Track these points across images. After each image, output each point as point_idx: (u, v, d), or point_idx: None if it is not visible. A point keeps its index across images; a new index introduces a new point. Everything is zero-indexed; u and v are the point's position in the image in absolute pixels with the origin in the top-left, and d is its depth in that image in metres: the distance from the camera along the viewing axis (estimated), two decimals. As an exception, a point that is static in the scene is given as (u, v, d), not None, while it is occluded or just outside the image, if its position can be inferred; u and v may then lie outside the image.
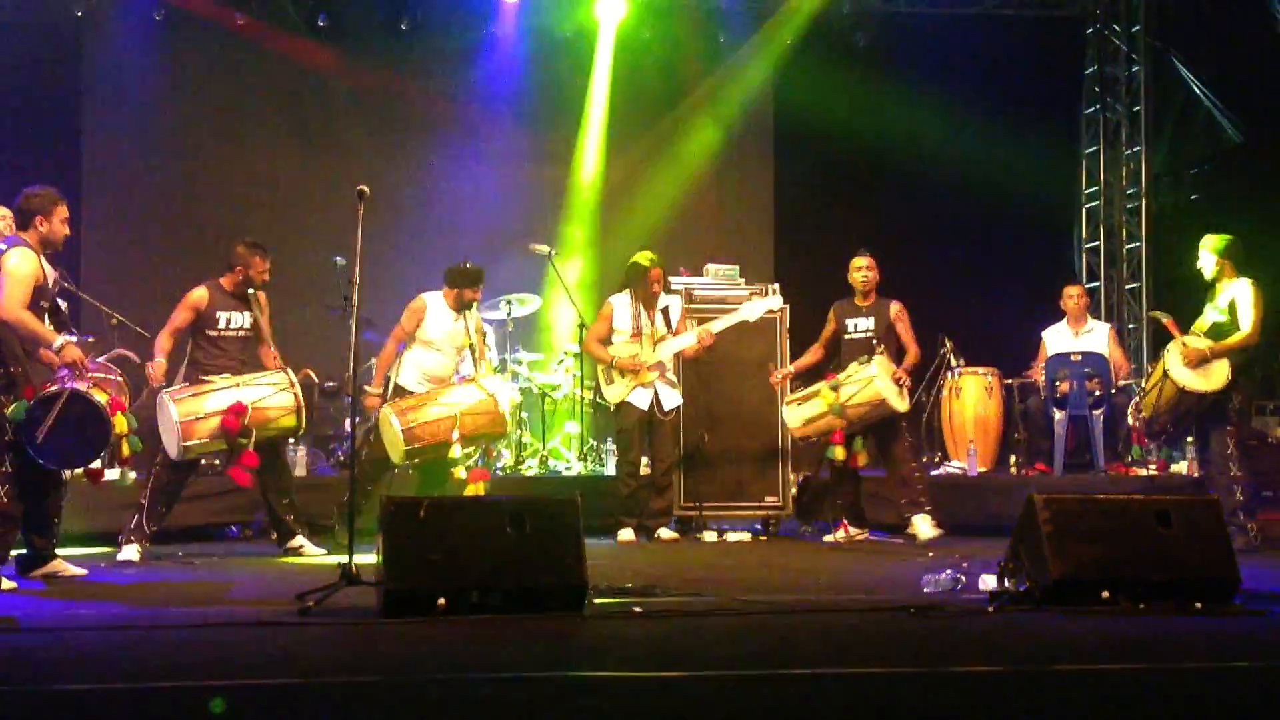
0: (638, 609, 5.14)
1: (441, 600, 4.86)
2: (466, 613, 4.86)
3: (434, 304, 8.03)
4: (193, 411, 7.05)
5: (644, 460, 8.24)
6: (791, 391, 8.31)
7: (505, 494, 7.96)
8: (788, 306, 8.57)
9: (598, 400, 9.02)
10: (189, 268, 11.07)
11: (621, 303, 8.31)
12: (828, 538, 8.13)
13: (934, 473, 9.18)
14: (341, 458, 9.23)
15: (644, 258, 8.28)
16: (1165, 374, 7.59)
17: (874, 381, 7.82)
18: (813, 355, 8.41)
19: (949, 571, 5.66)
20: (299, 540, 7.39)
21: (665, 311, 8.24)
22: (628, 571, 6.28)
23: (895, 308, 8.19)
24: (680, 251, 10.00)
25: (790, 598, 5.64)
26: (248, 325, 7.49)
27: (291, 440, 8.08)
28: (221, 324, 7.41)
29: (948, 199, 11.63)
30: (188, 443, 7.02)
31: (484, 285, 8.16)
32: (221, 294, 7.46)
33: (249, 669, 4.10)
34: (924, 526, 7.83)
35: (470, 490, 7.37)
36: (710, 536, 8.20)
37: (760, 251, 11.54)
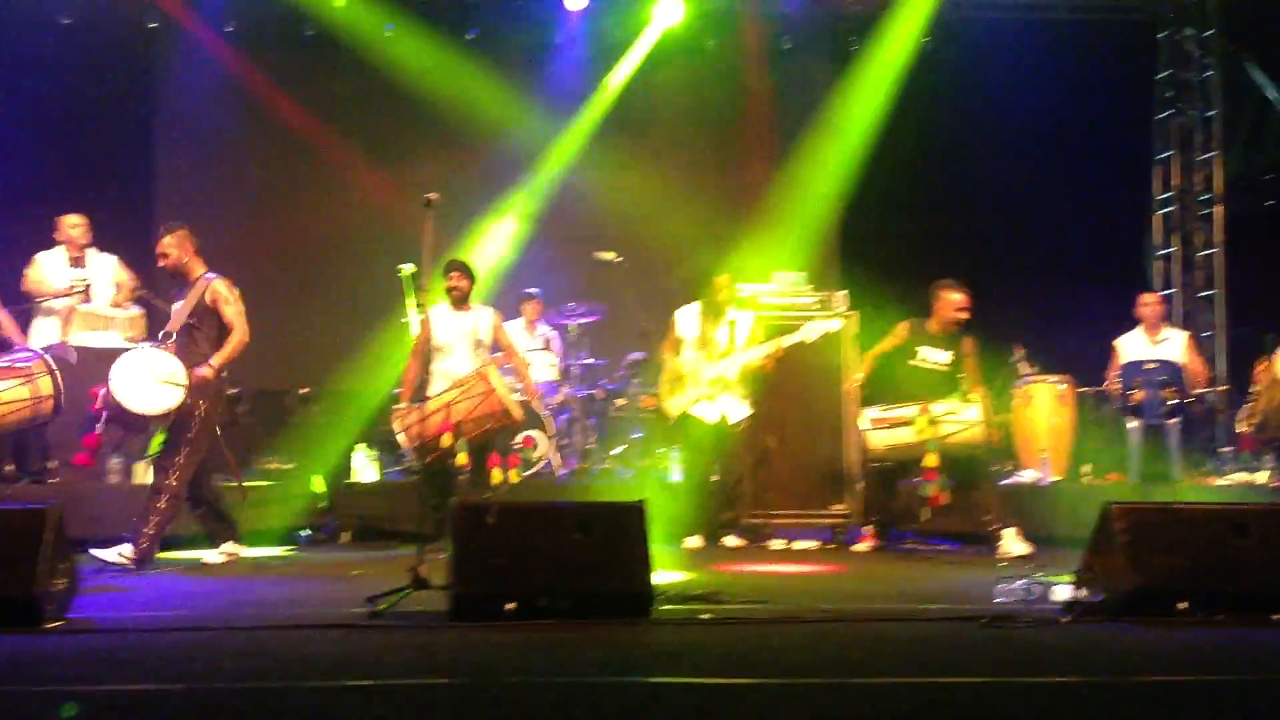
0: (705, 616, 5.12)
1: (510, 605, 4.88)
2: (534, 617, 4.88)
3: (436, 310, 8.07)
4: None
5: (711, 469, 8.21)
6: (868, 406, 8.09)
7: (571, 500, 7.97)
8: (856, 314, 8.51)
9: (663, 409, 9.00)
10: (261, 275, 11.25)
11: (687, 314, 8.31)
12: (856, 547, 8.06)
13: (1005, 482, 9.07)
14: (407, 465, 9.29)
15: (710, 268, 8.27)
16: (1276, 380, 7.45)
17: (977, 426, 7.65)
18: (869, 364, 8.16)
19: (1022, 582, 5.58)
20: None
21: (733, 325, 8.21)
22: (694, 579, 6.26)
23: (970, 342, 8.03)
24: (746, 258, 9.98)
25: (859, 606, 5.59)
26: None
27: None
28: None
29: (1018, 204, 11.50)
30: None
31: (457, 273, 8.09)
32: None
33: (320, 671, 4.12)
34: (1013, 543, 7.69)
35: (497, 476, 7.42)
36: (777, 544, 8.15)
37: (827, 258, 11.47)
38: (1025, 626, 4.91)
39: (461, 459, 7.52)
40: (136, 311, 8.85)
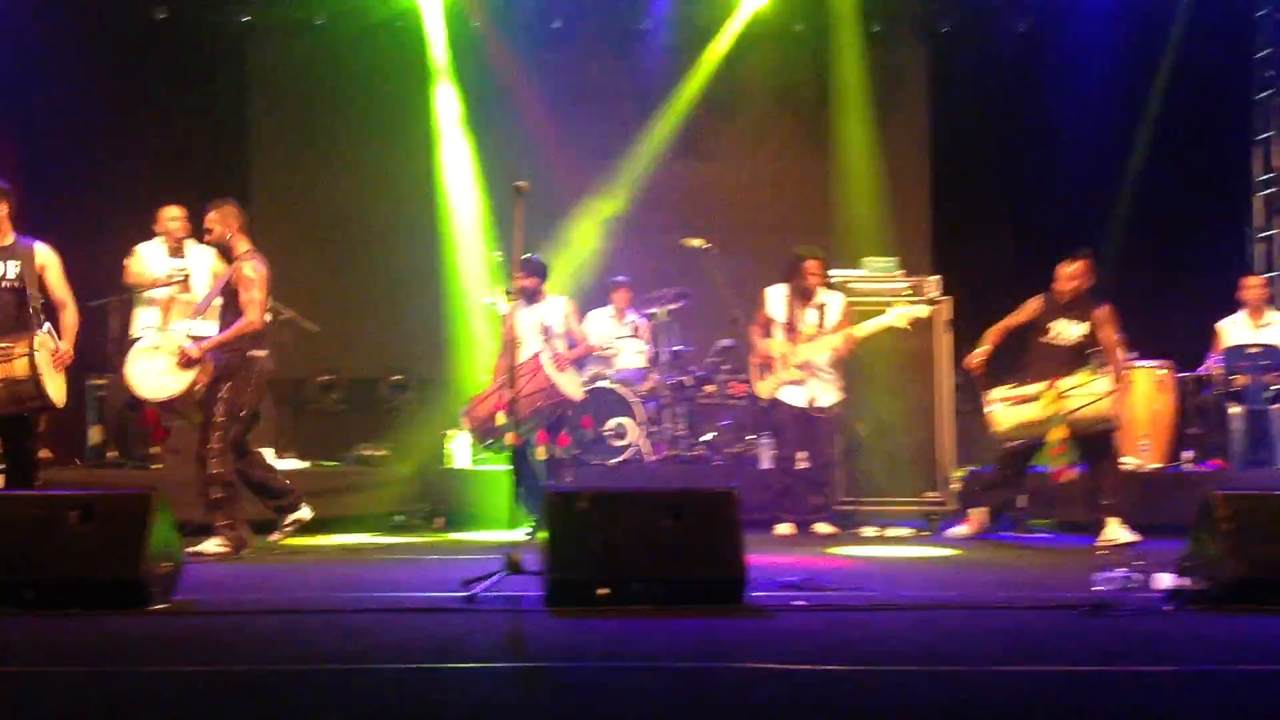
0: (798, 603, 5.10)
1: (603, 590, 4.91)
2: (627, 603, 4.90)
3: (515, 304, 8.13)
4: None
5: (801, 455, 8.17)
6: (993, 386, 7.90)
7: (662, 487, 7.98)
8: (949, 299, 8.41)
9: (753, 394, 8.97)
10: (355, 263, 11.42)
11: (777, 295, 8.27)
12: (953, 531, 7.95)
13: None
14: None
15: (800, 250, 8.22)
16: None
17: (1106, 398, 7.48)
18: (995, 338, 7.93)
19: (1122, 570, 5.47)
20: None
21: (823, 308, 8.16)
22: (786, 565, 6.24)
23: (1103, 311, 7.82)
24: (837, 244, 9.90)
25: (954, 594, 5.53)
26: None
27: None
28: None
29: (1115, 186, 11.26)
30: None
31: (520, 273, 7.99)
32: None
33: (417, 654, 4.17)
34: (1118, 530, 7.57)
35: (541, 453, 7.69)
36: (869, 532, 8.10)
37: (919, 243, 11.34)
38: (1127, 615, 4.83)
39: (508, 438, 7.58)
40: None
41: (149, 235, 8.86)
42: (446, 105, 11.54)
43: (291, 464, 8.88)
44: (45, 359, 6.45)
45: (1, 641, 4.37)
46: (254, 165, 11.63)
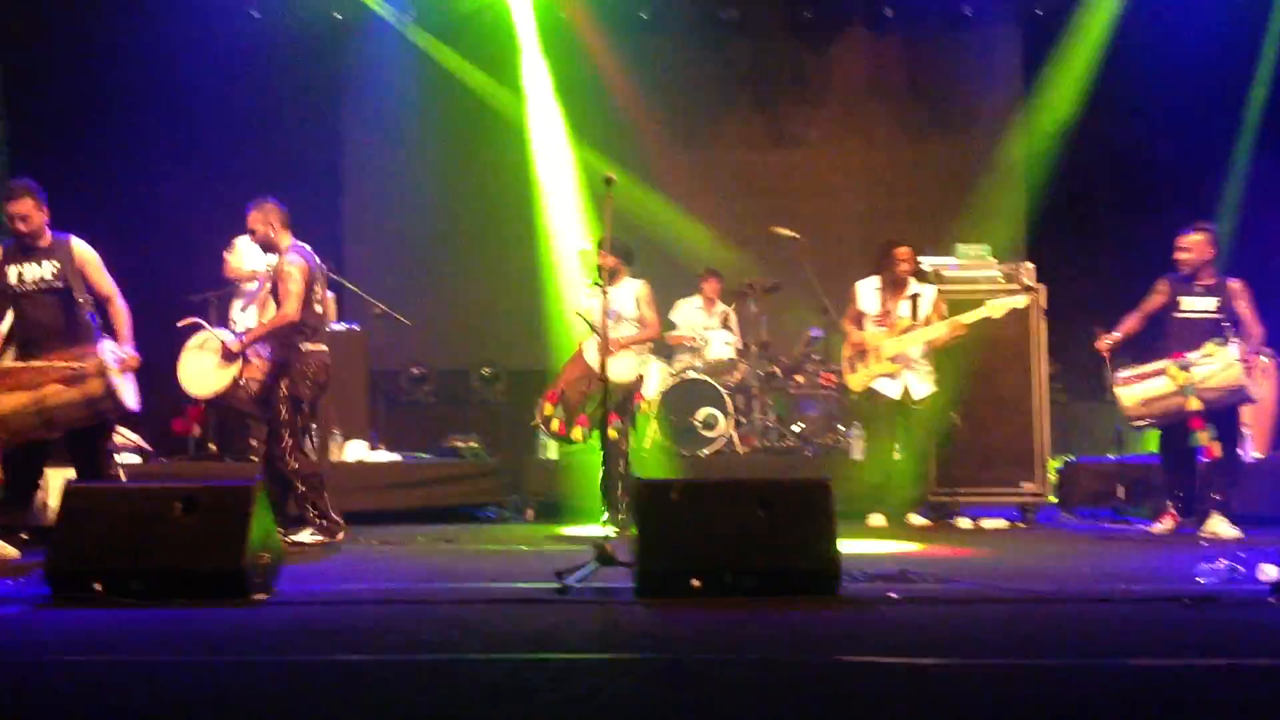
0: (892, 595, 5.05)
1: (695, 581, 4.90)
2: (720, 594, 4.89)
3: (595, 290, 8.14)
4: None
5: (894, 446, 8.10)
6: (1119, 368, 7.76)
7: (754, 478, 7.96)
8: (1043, 287, 8.28)
9: (843, 385, 8.90)
10: (445, 257, 11.53)
11: (868, 286, 8.20)
12: (1154, 528, 7.71)
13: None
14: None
15: (889, 240, 8.14)
16: None
17: (1235, 364, 7.30)
18: (1131, 324, 7.80)
19: (1224, 561, 5.36)
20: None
21: (915, 299, 8.07)
22: (880, 557, 6.19)
23: (1236, 284, 7.66)
24: (928, 231, 9.79)
25: (1052, 586, 5.45)
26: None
27: None
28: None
29: (1217, 174, 11.00)
30: None
31: (600, 253, 7.94)
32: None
33: (511, 645, 4.20)
34: (1220, 524, 7.40)
35: (577, 433, 7.63)
36: (964, 523, 8.00)
37: (1012, 230, 11.17)
38: (1231, 607, 4.72)
39: (554, 425, 7.66)
40: (329, 295, 9.10)
41: (245, 231, 9.00)
42: (537, 97, 11.60)
43: (384, 456, 8.99)
44: (115, 371, 6.52)
45: (110, 631, 4.48)
46: (346, 158, 11.79)
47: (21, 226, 6.48)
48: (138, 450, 8.55)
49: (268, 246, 7.10)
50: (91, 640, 4.35)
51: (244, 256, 8.94)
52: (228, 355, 6.89)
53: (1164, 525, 7.65)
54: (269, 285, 7.22)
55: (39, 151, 10.54)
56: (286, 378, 6.91)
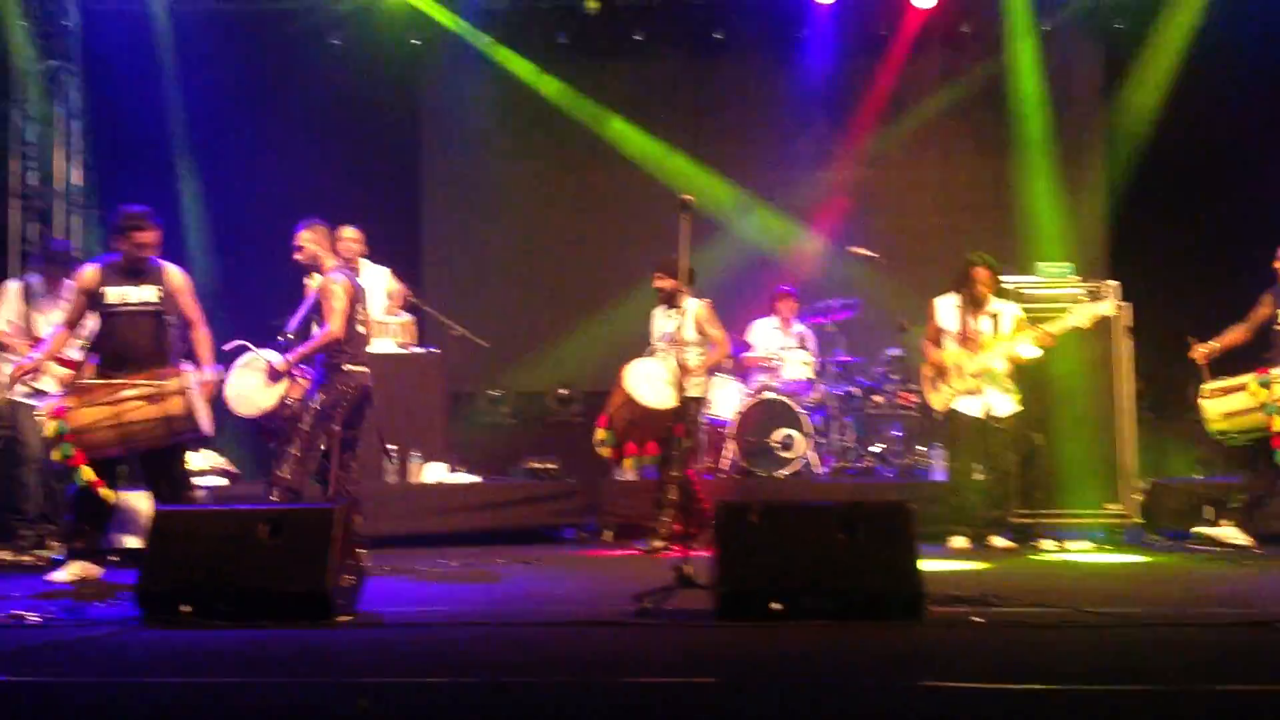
0: (976, 619, 4.99)
1: (776, 604, 4.87)
2: (800, 617, 4.86)
3: (656, 311, 8.20)
4: None
5: (976, 466, 8.00)
6: (1210, 379, 7.71)
7: (834, 499, 7.90)
8: (1129, 305, 8.15)
9: (923, 404, 8.82)
10: (522, 280, 11.61)
11: (948, 304, 8.12)
12: (1229, 537, 7.62)
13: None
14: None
15: (970, 258, 8.06)
16: None
17: None
18: (1234, 336, 7.78)
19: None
20: None
21: (996, 317, 7.97)
22: (962, 580, 6.11)
23: None
24: (1010, 249, 9.69)
25: (1139, 609, 5.35)
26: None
27: None
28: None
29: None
30: None
31: (657, 274, 8.06)
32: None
33: (591, 667, 4.21)
34: None
35: (628, 465, 7.87)
36: (1048, 545, 7.88)
37: (1094, 247, 11.02)
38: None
39: (607, 451, 7.72)
40: (408, 318, 9.23)
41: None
42: (615, 119, 11.66)
43: (462, 477, 9.05)
44: (195, 392, 6.62)
45: (198, 652, 4.55)
46: (425, 183, 11.92)
47: (143, 253, 6.67)
48: (223, 473, 8.69)
49: (313, 266, 7.14)
50: (181, 661, 4.42)
51: (325, 281, 9.05)
52: (273, 375, 6.95)
53: (1240, 539, 7.54)
54: (312, 302, 7.22)
55: (123, 175, 10.81)
56: (323, 394, 6.92)
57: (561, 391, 11.29)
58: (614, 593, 5.66)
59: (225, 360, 7.03)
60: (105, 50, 10.88)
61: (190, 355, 6.81)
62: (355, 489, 7.01)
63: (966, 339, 7.97)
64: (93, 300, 6.63)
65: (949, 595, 5.36)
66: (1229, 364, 7.76)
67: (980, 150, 11.69)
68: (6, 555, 7.47)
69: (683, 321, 7.85)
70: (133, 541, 7.24)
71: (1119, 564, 7.33)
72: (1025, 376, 8.03)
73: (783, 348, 9.86)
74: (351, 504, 6.91)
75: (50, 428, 6.36)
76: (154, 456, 6.71)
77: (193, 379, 6.61)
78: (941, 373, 8.04)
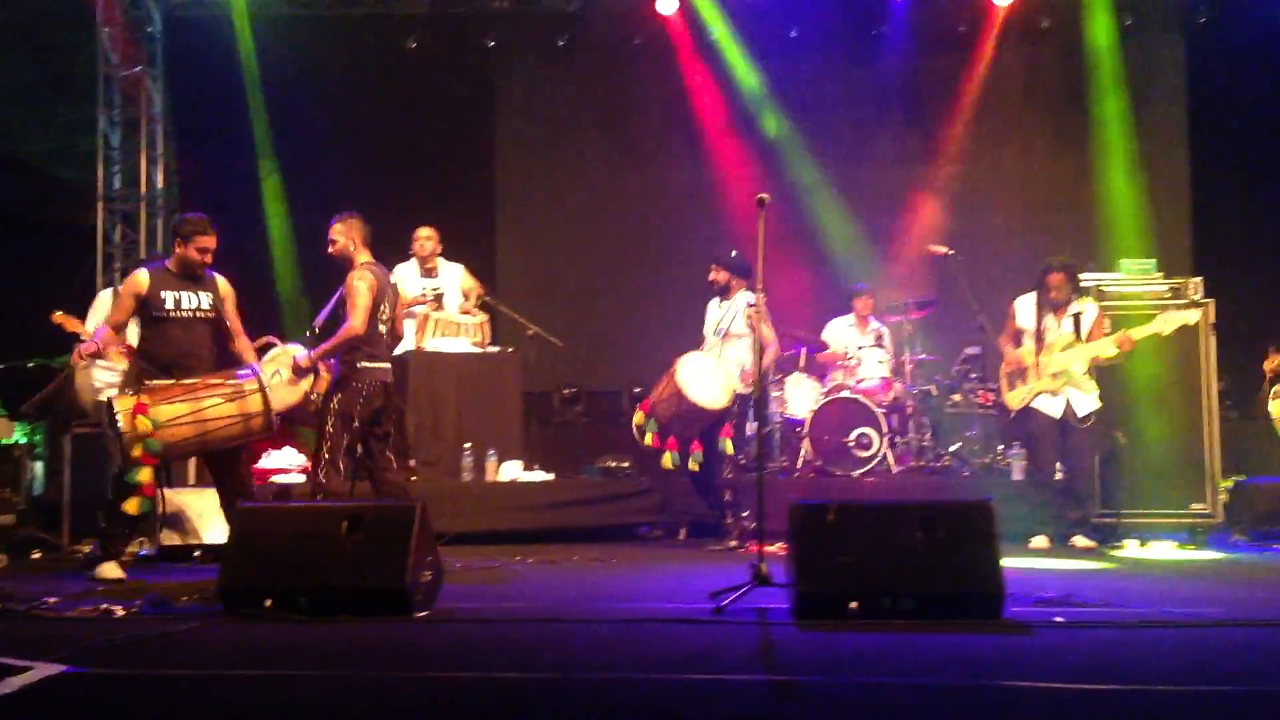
0: (1058, 619, 4.92)
1: (853, 603, 4.84)
2: (878, 617, 4.82)
3: (710, 305, 8.18)
4: None
5: (1057, 466, 7.90)
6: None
7: (912, 499, 7.83)
8: (1211, 302, 8.00)
9: (1002, 404, 8.72)
10: (595, 279, 11.64)
11: (1027, 303, 8.03)
12: None
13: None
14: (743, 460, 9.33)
15: (1046, 262, 7.96)
16: None
17: None
18: None
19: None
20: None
21: (1078, 317, 7.86)
22: (1043, 580, 6.03)
23: None
24: (1091, 245, 9.55)
25: (1221, 610, 5.24)
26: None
27: None
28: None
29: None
30: None
31: (712, 266, 8.08)
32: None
33: (667, 664, 4.20)
34: None
35: (666, 460, 7.83)
36: (1131, 545, 7.75)
37: (1178, 243, 10.82)
38: None
39: (648, 438, 7.74)
40: (483, 317, 9.29)
41: (404, 256, 9.23)
42: (679, 121, 11.66)
43: (538, 475, 9.09)
44: (269, 389, 6.69)
45: (279, 647, 4.61)
46: (499, 183, 11.99)
47: (206, 259, 6.73)
48: (301, 471, 8.80)
49: (344, 260, 7.10)
50: (263, 655, 4.48)
51: (402, 284, 9.14)
52: (298, 370, 7.01)
53: None
54: (337, 297, 7.22)
55: (205, 179, 11.02)
56: (340, 392, 6.87)
57: (637, 390, 11.27)
58: (689, 591, 5.67)
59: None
60: (186, 56, 11.09)
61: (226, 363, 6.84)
62: (395, 481, 6.99)
63: (1046, 339, 7.86)
64: (145, 305, 6.64)
65: (1030, 595, 5.30)
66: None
67: (1061, 146, 11.53)
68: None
69: (733, 315, 7.87)
70: (174, 539, 7.39)
71: (1202, 564, 7.20)
72: (1108, 375, 7.92)
73: (859, 346, 9.79)
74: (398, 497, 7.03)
75: (138, 423, 6.33)
76: (223, 455, 6.76)
77: (265, 375, 6.70)
78: (1020, 372, 7.95)
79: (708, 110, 11.63)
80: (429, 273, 9.21)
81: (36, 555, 7.83)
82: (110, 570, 6.46)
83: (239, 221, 10.79)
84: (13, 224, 11.75)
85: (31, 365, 9.07)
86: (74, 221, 11.21)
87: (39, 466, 9.14)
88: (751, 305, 7.81)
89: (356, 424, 6.86)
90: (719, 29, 11.40)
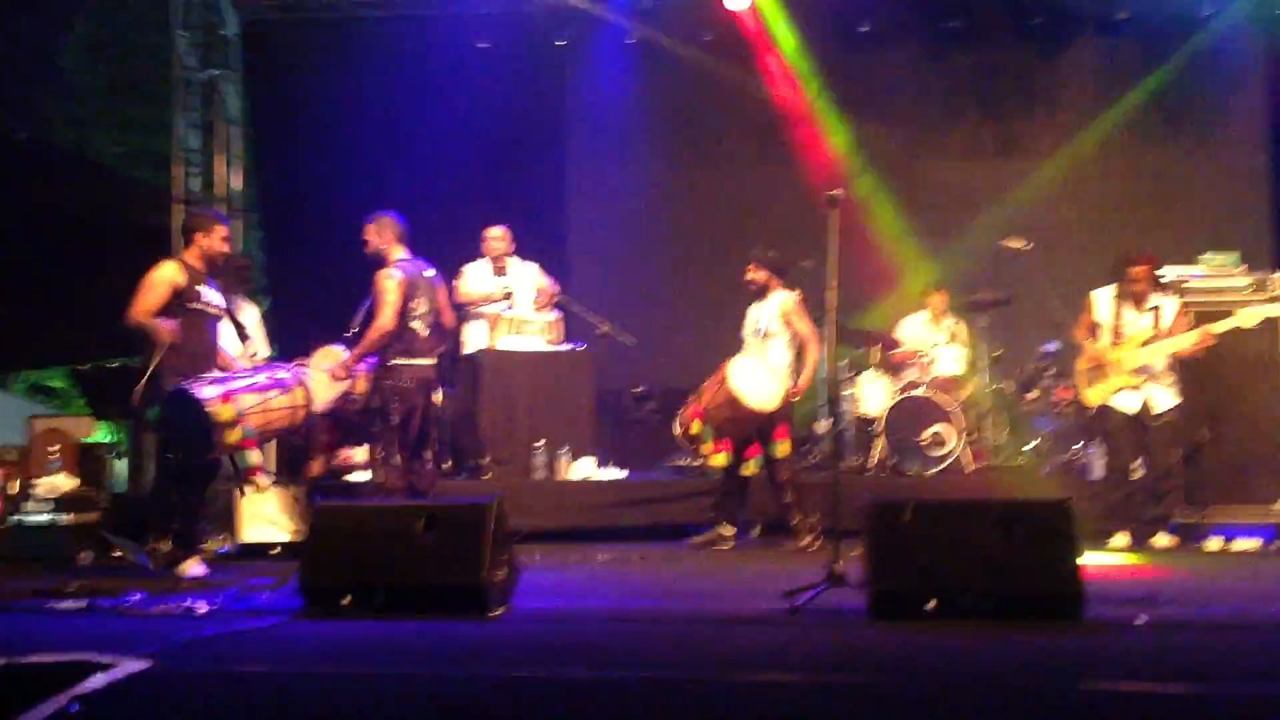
0: (1140, 619, 4.83)
1: (930, 603, 4.80)
2: (955, 617, 4.77)
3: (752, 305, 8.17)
4: None
5: (1136, 463, 7.77)
6: None
7: (989, 497, 7.74)
8: (1296, 294, 7.84)
9: (1079, 401, 8.59)
10: (667, 277, 11.62)
11: (1105, 296, 7.90)
12: None
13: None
14: (815, 459, 9.28)
15: (1127, 255, 7.83)
16: None
17: None
18: None
19: None
20: None
21: (1157, 310, 7.73)
22: (1124, 580, 5.94)
23: None
24: (1172, 239, 9.38)
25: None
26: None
27: None
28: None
29: None
30: None
31: (750, 264, 8.14)
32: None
33: (741, 664, 4.20)
34: None
35: (719, 460, 7.74)
36: (1214, 544, 7.60)
37: (1259, 236, 10.59)
38: None
39: (706, 447, 7.70)
40: (555, 316, 9.32)
41: (475, 255, 9.29)
42: (746, 119, 11.61)
43: (610, 473, 9.11)
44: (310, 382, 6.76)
45: (358, 644, 4.66)
46: (570, 181, 12.01)
47: (228, 248, 6.88)
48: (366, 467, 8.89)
49: (380, 259, 7.16)
50: (342, 652, 4.53)
51: (472, 282, 9.21)
52: (335, 375, 7.07)
53: None
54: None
55: (282, 181, 11.14)
56: (375, 391, 6.96)
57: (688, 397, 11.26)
58: (763, 589, 5.64)
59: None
60: (262, 58, 11.24)
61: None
62: (426, 481, 7.08)
63: (1125, 334, 7.74)
64: (179, 296, 6.63)
65: (1110, 595, 5.21)
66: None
67: (1140, 139, 11.32)
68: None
69: (770, 315, 7.89)
70: (253, 535, 7.52)
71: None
72: (1191, 370, 7.77)
73: (934, 343, 9.69)
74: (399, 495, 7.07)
75: (225, 412, 6.38)
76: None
77: (303, 370, 6.81)
78: (1099, 368, 7.83)
79: (778, 107, 11.56)
80: (499, 271, 9.27)
81: (119, 553, 7.97)
82: (192, 567, 6.56)
83: (315, 223, 10.94)
84: (91, 226, 11.98)
85: (115, 365, 9.24)
86: (151, 223, 11.39)
87: (122, 464, 9.31)
88: (787, 303, 7.84)
89: (395, 421, 6.93)
90: (782, 29, 11.32)
